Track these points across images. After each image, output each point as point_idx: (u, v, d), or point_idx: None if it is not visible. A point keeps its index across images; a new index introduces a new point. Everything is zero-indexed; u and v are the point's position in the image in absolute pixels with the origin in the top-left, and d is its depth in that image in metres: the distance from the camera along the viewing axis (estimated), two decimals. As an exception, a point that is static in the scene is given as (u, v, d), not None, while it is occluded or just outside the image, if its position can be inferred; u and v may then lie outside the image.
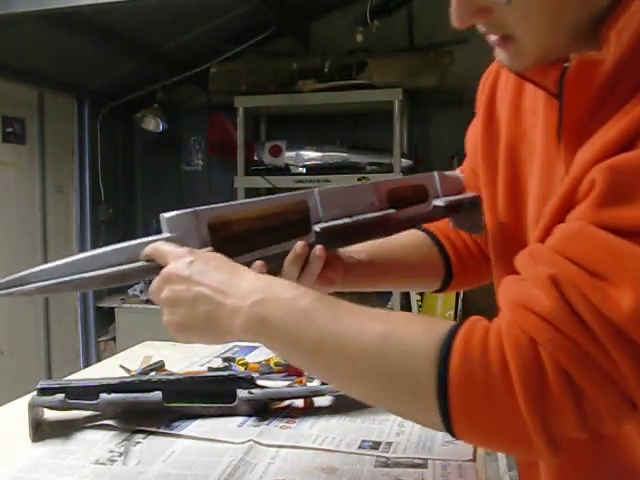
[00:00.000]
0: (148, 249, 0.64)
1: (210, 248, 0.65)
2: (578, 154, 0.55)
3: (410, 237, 0.92)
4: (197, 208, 0.67)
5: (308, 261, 0.70)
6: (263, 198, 0.71)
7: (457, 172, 0.77)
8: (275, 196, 0.71)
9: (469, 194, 0.76)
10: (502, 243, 0.76)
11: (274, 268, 0.68)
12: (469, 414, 0.50)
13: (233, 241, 0.68)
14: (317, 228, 0.70)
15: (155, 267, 0.63)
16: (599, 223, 0.49)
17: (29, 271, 0.63)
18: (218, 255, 0.63)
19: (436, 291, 0.92)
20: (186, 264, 0.60)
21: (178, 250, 0.62)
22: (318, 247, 0.69)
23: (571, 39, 0.57)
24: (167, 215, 0.66)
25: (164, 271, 0.62)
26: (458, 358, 0.50)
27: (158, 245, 0.63)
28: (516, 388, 0.47)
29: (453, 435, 0.51)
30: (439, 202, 0.75)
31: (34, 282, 0.63)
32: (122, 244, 0.65)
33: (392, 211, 0.73)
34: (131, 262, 0.64)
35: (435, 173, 0.77)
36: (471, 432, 0.51)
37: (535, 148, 0.68)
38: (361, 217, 0.72)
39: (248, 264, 0.65)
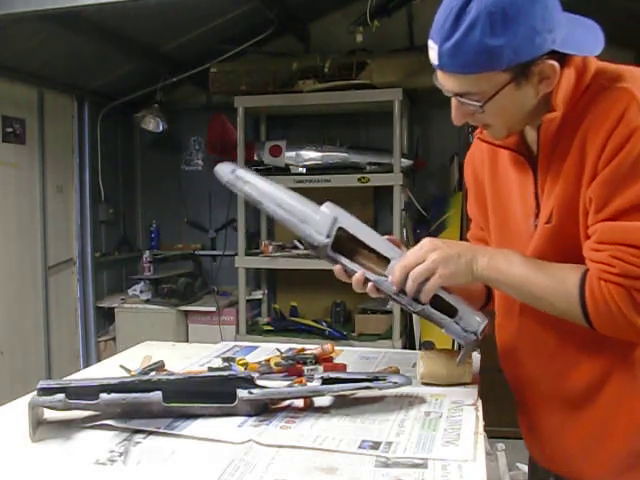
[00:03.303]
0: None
1: (330, 240, 1.08)
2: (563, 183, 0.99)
3: None
4: (338, 217, 1.09)
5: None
6: (370, 234, 1.11)
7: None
8: (377, 237, 1.11)
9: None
10: (496, 238, 1.21)
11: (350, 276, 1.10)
12: (598, 319, 0.96)
13: (342, 246, 1.10)
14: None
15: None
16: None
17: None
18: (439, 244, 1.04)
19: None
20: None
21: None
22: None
23: (526, 119, 1.01)
24: (323, 208, 1.10)
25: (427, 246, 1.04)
26: (589, 293, 0.95)
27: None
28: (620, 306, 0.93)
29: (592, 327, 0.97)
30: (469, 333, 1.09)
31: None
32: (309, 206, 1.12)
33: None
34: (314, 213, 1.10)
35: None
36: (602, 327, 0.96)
37: (512, 187, 1.11)
38: None
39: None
